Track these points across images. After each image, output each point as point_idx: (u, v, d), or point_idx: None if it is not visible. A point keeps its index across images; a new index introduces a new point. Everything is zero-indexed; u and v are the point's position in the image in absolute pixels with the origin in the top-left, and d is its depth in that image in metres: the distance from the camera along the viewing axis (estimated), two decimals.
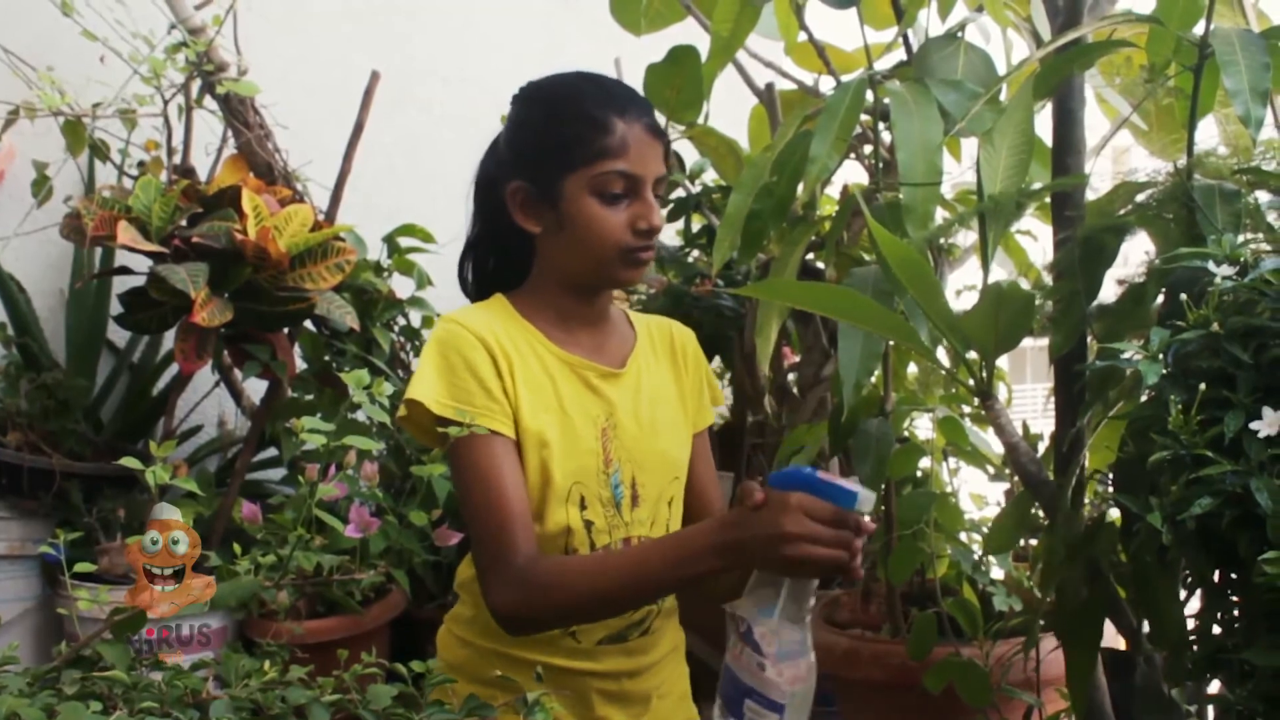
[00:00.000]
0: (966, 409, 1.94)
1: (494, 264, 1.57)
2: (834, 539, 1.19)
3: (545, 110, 1.47)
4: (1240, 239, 1.18)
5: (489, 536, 1.35)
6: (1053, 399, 1.51)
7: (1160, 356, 1.09)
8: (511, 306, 1.50)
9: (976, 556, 1.78)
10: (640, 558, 1.35)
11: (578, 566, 1.38)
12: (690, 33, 2.15)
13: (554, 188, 1.44)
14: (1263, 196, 1.27)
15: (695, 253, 2.57)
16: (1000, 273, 1.97)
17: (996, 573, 1.78)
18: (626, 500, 1.48)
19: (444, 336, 1.42)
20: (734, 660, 1.22)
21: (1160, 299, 1.28)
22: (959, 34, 1.68)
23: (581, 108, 1.44)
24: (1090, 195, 1.47)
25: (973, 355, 1.37)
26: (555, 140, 1.43)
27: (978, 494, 2.09)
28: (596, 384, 1.49)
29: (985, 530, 1.85)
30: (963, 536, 1.82)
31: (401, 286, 2.69)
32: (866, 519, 1.23)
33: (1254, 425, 1.00)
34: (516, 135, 1.49)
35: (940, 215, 1.58)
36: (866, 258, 1.90)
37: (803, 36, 1.97)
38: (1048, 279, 1.51)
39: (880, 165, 1.68)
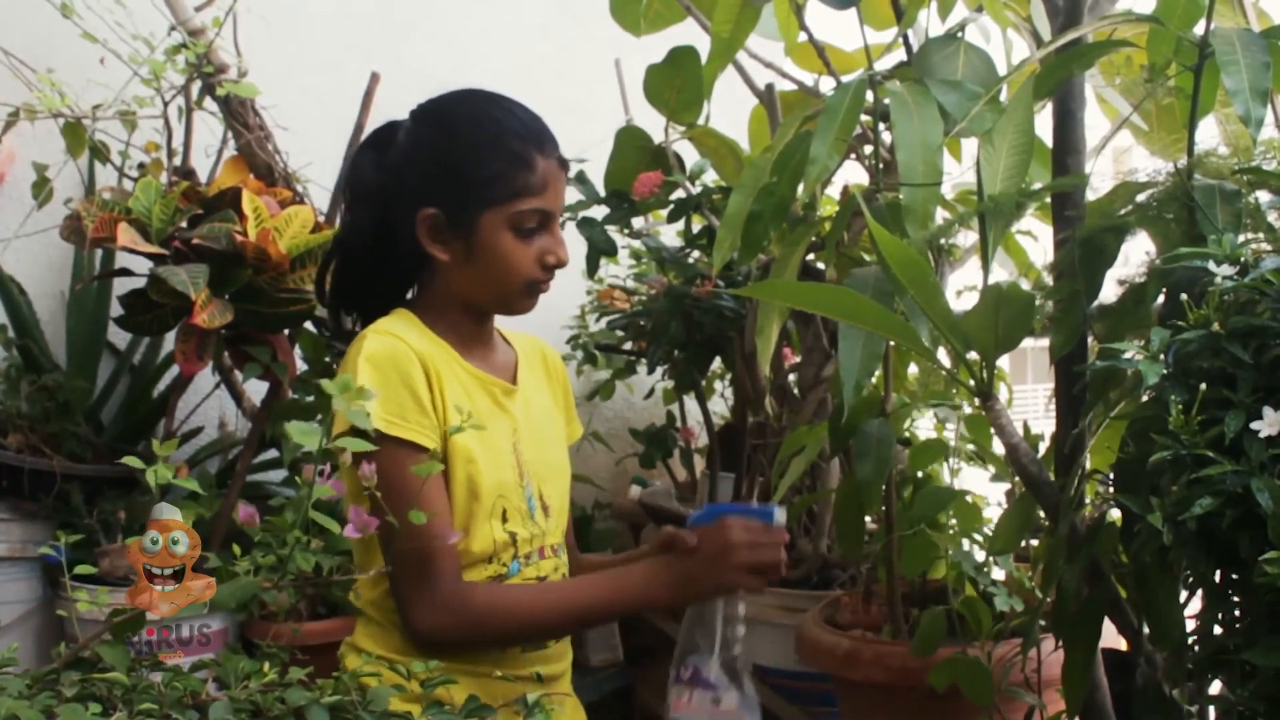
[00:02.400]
0: (967, 409, 1.93)
1: (368, 273, 1.53)
2: (772, 541, 1.40)
3: (466, 140, 1.46)
4: (1241, 239, 1.19)
5: (415, 557, 1.34)
6: (1053, 399, 1.51)
7: (1161, 357, 1.09)
8: (420, 322, 1.48)
9: (980, 557, 1.77)
10: (576, 593, 1.44)
11: (515, 599, 1.42)
12: (690, 33, 2.15)
13: (471, 220, 1.44)
14: (1263, 196, 1.27)
15: (696, 253, 2.57)
16: (1001, 273, 1.98)
17: (997, 573, 1.78)
18: (539, 510, 1.51)
19: (378, 350, 1.39)
20: (685, 710, 1.37)
21: (1161, 299, 1.28)
22: (959, 34, 1.67)
23: (504, 142, 1.44)
24: (1090, 195, 1.47)
25: (973, 356, 1.37)
26: (477, 174, 1.44)
27: (979, 494, 2.09)
28: (501, 400, 1.52)
29: (986, 530, 1.85)
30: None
31: None
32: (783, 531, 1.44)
33: (1255, 425, 1.00)
34: (431, 161, 1.47)
35: (940, 216, 1.59)
36: (867, 258, 1.90)
37: (803, 37, 1.97)
38: (1048, 279, 1.51)
39: (880, 166, 1.68)
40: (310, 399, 2.47)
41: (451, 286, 1.49)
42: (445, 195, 1.45)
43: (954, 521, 1.82)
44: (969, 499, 1.83)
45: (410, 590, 1.37)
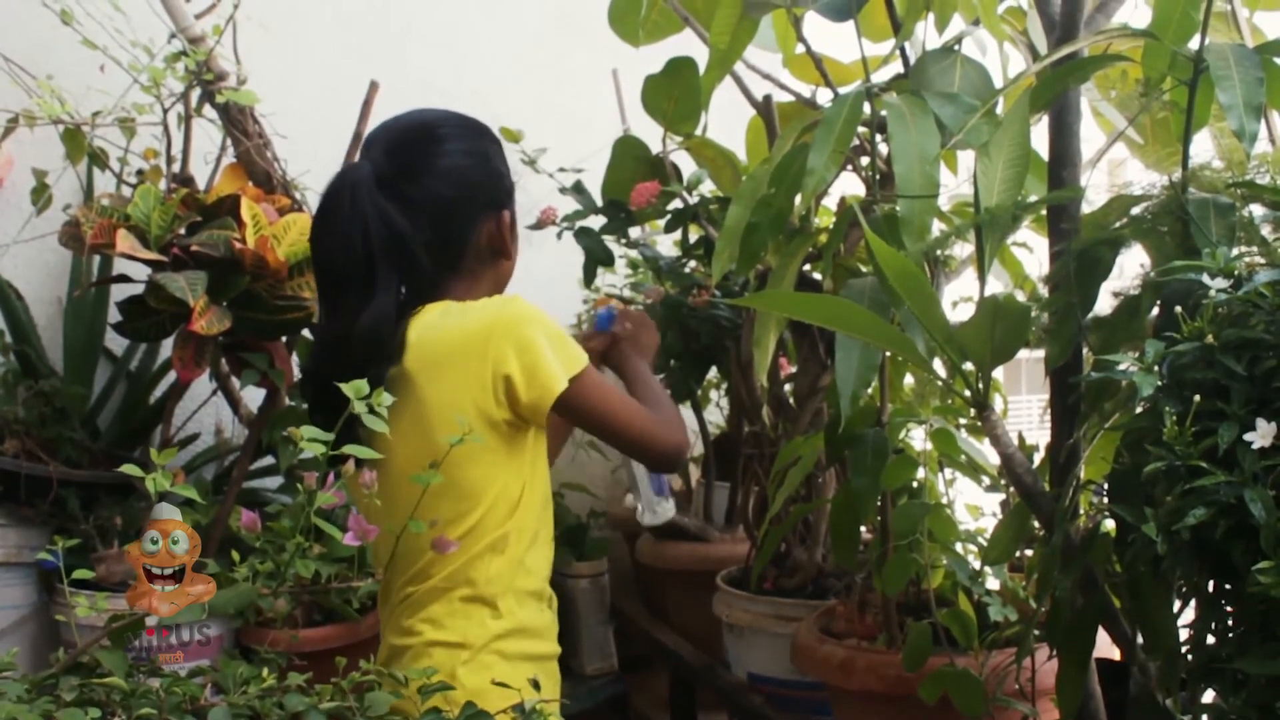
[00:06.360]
0: (963, 420, 1.94)
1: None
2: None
3: (493, 144, 1.63)
4: (1234, 252, 1.19)
5: (643, 417, 1.59)
6: (1048, 410, 1.51)
7: (1155, 368, 1.10)
8: None
9: (974, 567, 1.78)
10: (646, 380, 1.73)
11: (658, 400, 1.68)
12: (688, 44, 2.16)
13: (514, 213, 1.63)
14: (1257, 210, 1.28)
15: (692, 263, 2.58)
16: (996, 285, 1.98)
17: (992, 583, 1.79)
18: None
19: (535, 311, 1.51)
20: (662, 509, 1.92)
21: (1155, 311, 1.29)
22: (956, 47, 1.69)
23: (498, 138, 1.64)
24: (1086, 208, 1.48)
25: (969, 366, 1.38)
26: (505, 168, 1.63)
27: (974, 505, 2.09)
28: None
29: (981, 541, 1.86)
30: (958, 547, 1.83)
31: None
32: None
33: (1248, 437, 1.01)
34: (480, 168, 1.59)
35: (937, 227, 1.59)
36: (863, 269, 1.91)
37: (800, 49, 1.98)
38: (1043, 291, 1.52)
39: (877, 177, 1.69)
40: (307, 406, 2.47)
41: (493, 280, 1.60)
42: (506, 194, 1.61)
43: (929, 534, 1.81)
44: (947, 511, 1.83)
45: (660, 434, 1.59)
